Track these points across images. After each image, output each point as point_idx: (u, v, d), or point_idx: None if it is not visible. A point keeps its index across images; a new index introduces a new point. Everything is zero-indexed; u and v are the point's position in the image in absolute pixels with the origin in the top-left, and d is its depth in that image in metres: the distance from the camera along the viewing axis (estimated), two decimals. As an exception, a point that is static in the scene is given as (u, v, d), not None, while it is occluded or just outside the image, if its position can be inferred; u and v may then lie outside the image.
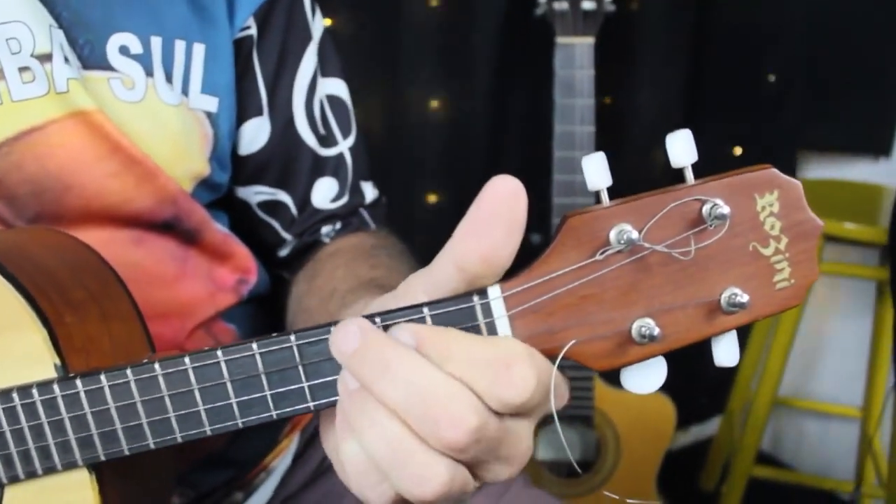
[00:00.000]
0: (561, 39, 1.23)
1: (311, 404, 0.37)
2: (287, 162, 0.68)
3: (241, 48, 0.63)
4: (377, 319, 0.35)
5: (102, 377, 0.39)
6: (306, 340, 0.36)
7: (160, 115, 0.57)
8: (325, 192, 0.69)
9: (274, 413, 0.38)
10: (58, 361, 0.41)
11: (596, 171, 0.35)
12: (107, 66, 0.56)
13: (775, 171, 0.35)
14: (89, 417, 0.40)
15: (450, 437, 0.32)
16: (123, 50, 0.56)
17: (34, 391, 0.40)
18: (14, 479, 0.42)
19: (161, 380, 0.38)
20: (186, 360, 0.38)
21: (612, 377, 0.72)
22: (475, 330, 0.35)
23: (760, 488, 1.61)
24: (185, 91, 0.59)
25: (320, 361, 0.36)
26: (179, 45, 0.58)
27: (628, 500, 0.42)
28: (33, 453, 0.41)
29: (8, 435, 0.41)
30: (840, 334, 1.80)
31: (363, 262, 0.63)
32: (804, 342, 1.73)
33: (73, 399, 0.40)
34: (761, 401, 1.51)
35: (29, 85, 0.53)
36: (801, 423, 1.88)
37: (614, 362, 0.36)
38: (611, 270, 0.35)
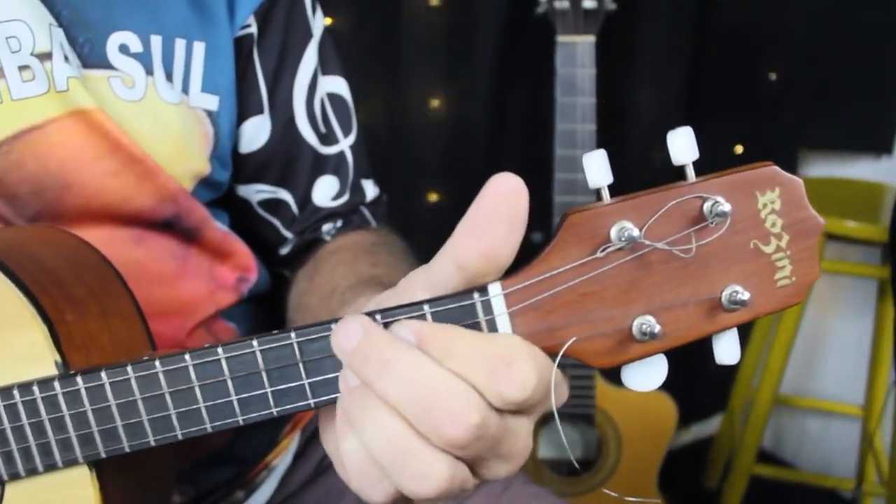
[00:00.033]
0: (562, 38, 1.23)
1: (311, 401, 0.37)
2: (288, 160, 0.68)
3: (242, 46, 0.63)
4: (378, 317, 0.35)
5: (103, 374, 0.39)
6: (307, 338, 0.36)
7: (160, 114, 0.57)
8: (325, 191, 0.69)
9: (274, 410, 0.38)
10: (59, 358, 0.41)
11: (597, 168, 0.35)
12: (107, 65, 0.56)
13: (776, 168, 0.35)
14: (90, 414, 0.40)
15: (451, 434, 0.32)
16: (123, 48, 0.56)
17: (35, 388, 0.40)
18: (15, 477, 0.42)
19: (162, 377, 0.38)
20: (187, 357, 0.38)
21: (614, 375, 0.72)
22: (476, 327, 0.35)
23: (762, 486, 1.61)
24: (185, 90, 0.59)
25: (321, 359, 0.36)
26: (179, 44, 0.58)
27: (629, 499, 0.42)
28: (34, 450, 0.41)
29: (9, 432, 0.41)
30: (841, 333, 1.80)
31: (364, 259, 0.63)
32: (805, 340, 1.73)
33: (74, 396, 0.40)
34: (762, 399, 1.51)
35: (29, 83, 0.53)
36: (802, 421, 1.88)
37: (615, 360, 0.36)
38: (611, 268, 0.35)
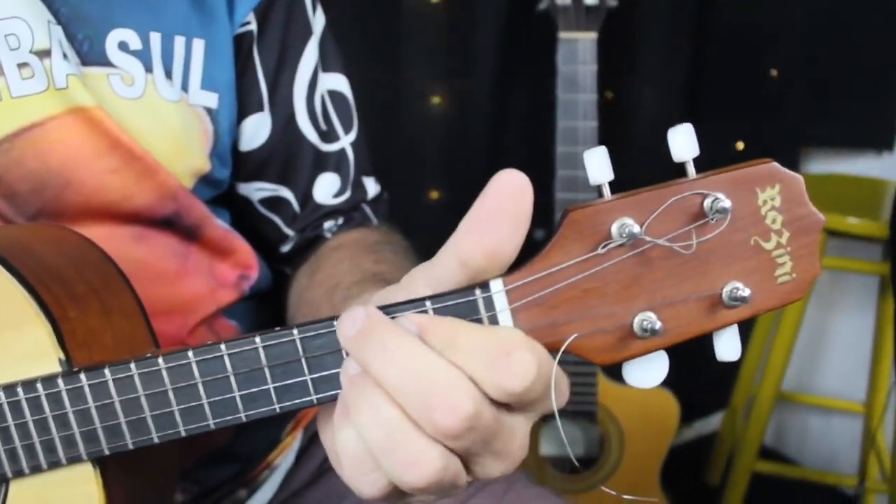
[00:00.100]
0: (563, 34, 1.23)
1: (314, 397, 0.37)
2: (288, 158, 0.68)
3: (242, 44, 0.63)
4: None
5: (106, 371, 0.39)
6: (309, 334, 0.36)
7: (160, 112, 0.57)
8: (326, 188, 0.69)
9: (277, 406, 0.38)
10: (62, 356, 0.42)
11: (598, 165, 0.35)
12: (106, 62, 0.56)
13: (777, 165, 0.35)
14: (93, 411, 0.40)
15: (443, 423, 0.32)
16: (122, 46, 0.56)
17: (39, 385, 0.40)
18: (19, 474, 0.42)
19: (164, 374, 0.38)
20: (190, 353, 0.38)
21: (616, 372, 0.72)
22: (477, 323, 0.35)
23: (764, 483, 1.61)
24: (184, 87, 0.59)
25: (323, 355, 0.37)
26: (179, 41, 0.58)
27: (627, 497, 0.42)
28: (38, 447, 0.41)
29: (12, 429, 0.41)
30: (843, 329, 1.80)
31: (367, 256, 0.63)
32: (807, 337, 1.73)
33: (78, 393, 0.40)
34: (764, 395, 1.51)
35: (28, 81, 0.53)
36: (804, 417, 1.88)
37: (616, 356, 0.36)
38: (612, 264, 0.35)
